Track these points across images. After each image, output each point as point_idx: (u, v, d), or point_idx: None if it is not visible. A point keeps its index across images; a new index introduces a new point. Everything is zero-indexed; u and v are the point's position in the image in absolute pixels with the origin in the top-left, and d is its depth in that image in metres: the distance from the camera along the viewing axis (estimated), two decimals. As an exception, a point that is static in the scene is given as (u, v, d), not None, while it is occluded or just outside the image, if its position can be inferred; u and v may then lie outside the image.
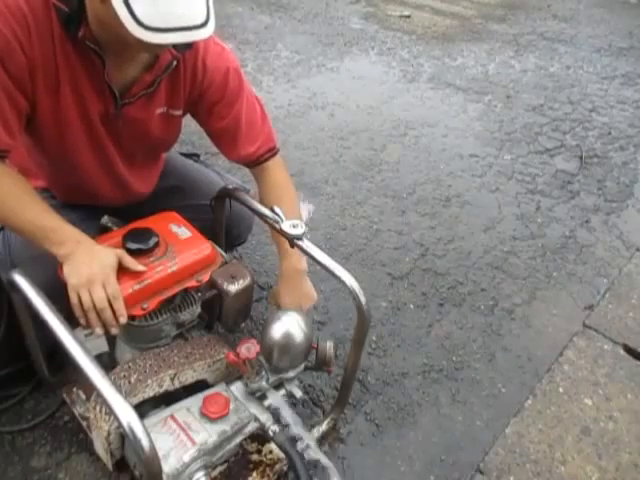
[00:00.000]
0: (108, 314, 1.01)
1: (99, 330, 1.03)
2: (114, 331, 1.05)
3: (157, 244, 1.14)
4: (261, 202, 1.33)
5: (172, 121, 1.25)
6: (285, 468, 1.25)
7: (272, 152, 1.35)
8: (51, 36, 1.01)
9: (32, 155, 1.24)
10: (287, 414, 1.14)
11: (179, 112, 1.24)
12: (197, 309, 1.23)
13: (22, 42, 0.97)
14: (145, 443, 0.80)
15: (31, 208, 1.03)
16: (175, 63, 1.13)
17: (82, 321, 1.03)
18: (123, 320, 1.03)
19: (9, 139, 1.03)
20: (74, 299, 1.00)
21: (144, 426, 0.81)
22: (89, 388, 1.19)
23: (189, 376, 1.14)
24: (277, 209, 1.24)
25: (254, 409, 1.14)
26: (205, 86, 1.21)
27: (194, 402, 1.10)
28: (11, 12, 0.95)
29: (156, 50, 1.06)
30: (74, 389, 1.29)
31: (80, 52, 1.04)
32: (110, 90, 1.10)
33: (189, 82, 1.20)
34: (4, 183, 1.02)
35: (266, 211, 1.27)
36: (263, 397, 1.18)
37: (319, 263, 1.17)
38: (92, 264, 1.01)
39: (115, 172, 1.27)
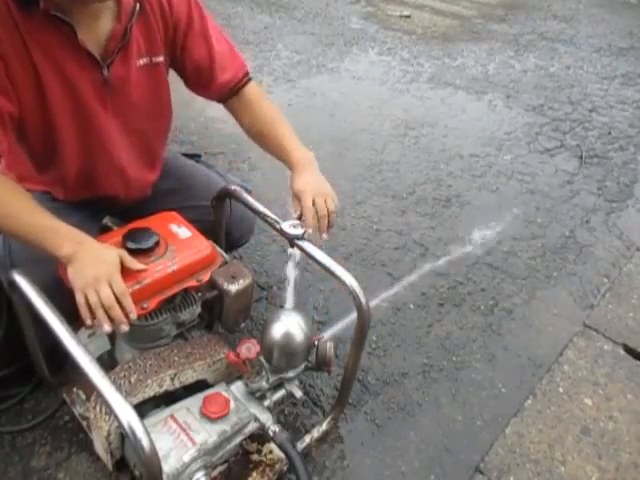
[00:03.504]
0: (117, 311, 0.99)
1: (107, 327, 1.00)
2: (124, 328, 1.01)
3: (157, 244, 1.14)
4: (252, 134, 1.36)
5: (157, 72, 1.24)
6: (285, 468, 1.25)
7: (248, 76, 1.36)
8: (13, 22, 0.98)
9: (32, 158, 1.23)
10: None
11: (161, 58, 1.23)
12: (197, 309, 1.23)
13: None
14: (145, 443, 0.80)
15: (27, 212, 1.02)
16: (139, 7, 1.12)
17: (88, 322, 1.01)
18: (133, 316, 1.02)
19: None
20: (81, 299, 0.99)
21: (144, 426, 0.81)
22: (89, 388, 1.19)
23: (189, 376, 1.14)
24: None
25: (254, 409, 1.14)
26: (175, 18, 1.21)
27: (194, 402, 1.10)
28: None
29: None
30: (74, 389, 1.29)
31: (47, 27, 1.01)
32: (89, 56, 1.09)
33: (160, 20, 1.19)
34: None
35: (266, 211, 1.27)
36: (263, 397, 1.18)
37: (319, 263, 1.17)
38: (96, 264, 1.00)
39: (113, 156, 1.25)
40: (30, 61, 1.02)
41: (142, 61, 1.19)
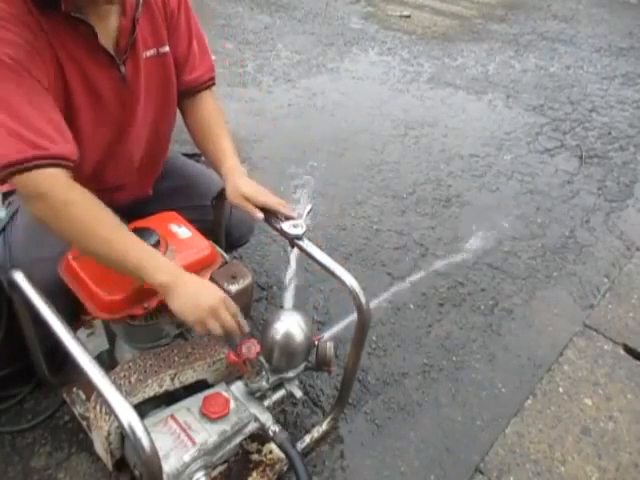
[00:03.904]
0: (236, 331, 1.08)
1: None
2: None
3: (157, 243, 1.13)
4: (194, 133, 1.36)
5: (165, 62, 1.25)
6: (285, 468, 1.25)
7: (213, 80, 1.37)
8: (40, 27, 0.98)
9: None
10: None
11: (167, 48, 1.24)
12: (197, 309, 1.23)
13: (34, 45, 0.96)
14: (145, 443, 0.80)
15: (123, 237, 1.01)
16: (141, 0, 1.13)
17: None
18: (247, 329, 1.10)
19: (73, 147, 1.01)
20: (200, 329, 1.04)
21: (144, 426, 0.81)
22: (89, 388, 1.19)
23: (189, 376, 1.14)
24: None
25: (254, 409, 1.14)
26: (170, 10, 1.23)
27: (194, 402, 1.10)
28: (12, 19, 0.94)
29: None
30: (74, 389, 1.29)
31: (66, 28, 1.02)
32: (106, 55, 1.10)
33: (162, 9, 1.21)
34: (92, 210, 0.99)
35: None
36: (263, 397, 1.18)
37: (319, 263, 1.17)
38: (203, 293, 1.04)
39: (128, 150, 1.26)
40: (58, 62, 1.03)
41: (149, 52, 1.20)
